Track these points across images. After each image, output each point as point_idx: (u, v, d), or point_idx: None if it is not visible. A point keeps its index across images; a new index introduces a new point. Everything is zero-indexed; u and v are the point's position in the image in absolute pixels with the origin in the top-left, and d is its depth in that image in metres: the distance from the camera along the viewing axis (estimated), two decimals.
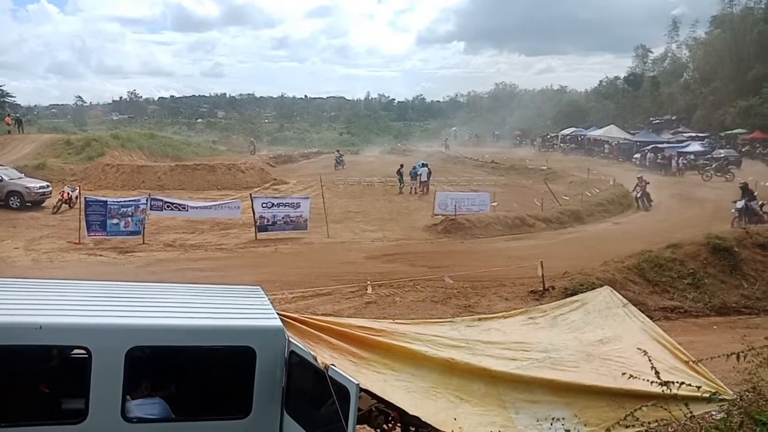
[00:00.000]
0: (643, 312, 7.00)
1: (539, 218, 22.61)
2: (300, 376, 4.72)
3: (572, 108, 74.82)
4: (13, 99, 74.13)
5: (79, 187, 24.24)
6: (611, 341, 5.79)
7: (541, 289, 13.05)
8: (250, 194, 21.94)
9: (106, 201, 19.07)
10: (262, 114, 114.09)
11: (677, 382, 4.49)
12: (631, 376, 4.63)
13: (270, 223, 19.83)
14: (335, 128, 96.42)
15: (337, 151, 48.80)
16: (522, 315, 6.37)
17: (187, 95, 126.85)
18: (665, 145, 44.32)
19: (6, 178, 24.33)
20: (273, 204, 20.30)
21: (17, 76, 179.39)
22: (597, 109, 70.94)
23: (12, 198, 23.84)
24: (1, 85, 73.20)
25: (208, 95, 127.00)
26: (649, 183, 27.13)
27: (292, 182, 35.10)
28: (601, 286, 9.03)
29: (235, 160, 40.69)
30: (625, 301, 6.73)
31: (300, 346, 4.69)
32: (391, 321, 6.33)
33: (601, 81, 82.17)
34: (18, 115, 51.08)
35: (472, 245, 18.96)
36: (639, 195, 26.46)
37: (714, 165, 36.05)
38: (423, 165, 32.37)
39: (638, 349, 5.09)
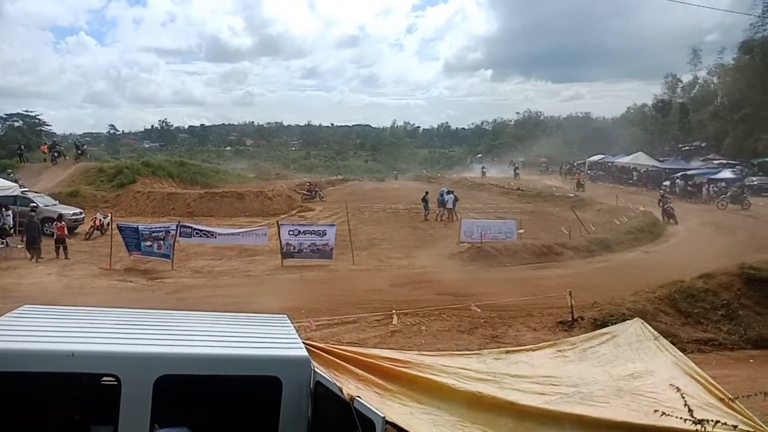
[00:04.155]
0: (675, 344, 6.83)
1: (567, 246, 22.36)
2: (325, 407, 4.69)
3: (599, 135, 74.17)
4: (49, 128, 76.79)
5: (111, 214, 24.81)
6: (642, 376, 5.62)
7: (570, 319, 12.83)
8: (277, 221, 22.18)
9: (137, 227, 19.51)
10: (289, 142, 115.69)
11: (712, 420, 4.34)
12: (663, 413, 4.49)
13: (296, 250, 19.99)
14: (360, 155, 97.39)
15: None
16: (550, 348, 6.24)
17: (217, 124, 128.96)
18: (695, 171, 43.61)
19: (41, 206, 24.95)
20: (299, 231, 20.49)
21: (55, 105, 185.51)
22: (624, 136, 70.22)
23: (46, 225, 24.42)
24: (39, 114, 76.04)
25: (236, 123, 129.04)
26: (671, 200, 29.36)
27: (318, 209, 35.43)
28: (632, 316, 8.88)
29: (263, 187, 41.26)
30: (656, 333, 6.55)
31: (326, 376, 4.68)
32: (417, 352, 6.27)
33: (628, 108, 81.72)
34: (56, 144, 52.30)
35: (499, 274, 18.77)
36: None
37: (729, 193, 34.98)
38: (449, 192, 32.39)
39: (671, 384, 4.94)
